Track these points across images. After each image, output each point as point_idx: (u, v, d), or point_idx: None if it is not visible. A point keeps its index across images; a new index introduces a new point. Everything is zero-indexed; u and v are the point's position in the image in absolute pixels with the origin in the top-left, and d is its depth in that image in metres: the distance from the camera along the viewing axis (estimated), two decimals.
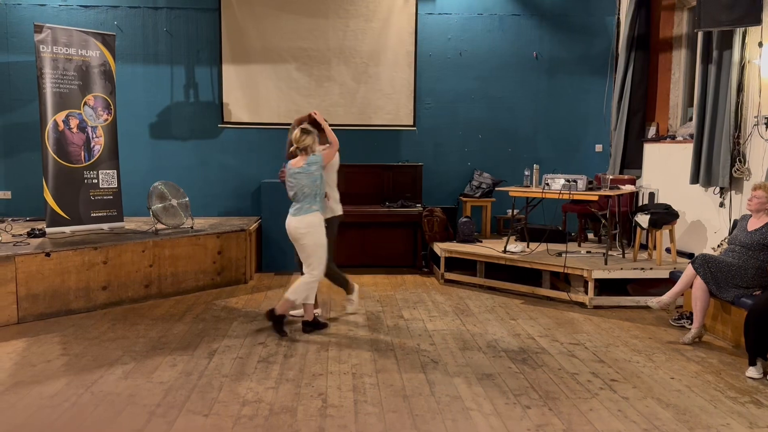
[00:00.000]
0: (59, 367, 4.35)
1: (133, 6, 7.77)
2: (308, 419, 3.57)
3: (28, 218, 7.40)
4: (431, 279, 7.27)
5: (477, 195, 7.90)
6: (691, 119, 7.18)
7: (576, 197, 6.36)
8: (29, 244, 5.81)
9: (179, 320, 5.53)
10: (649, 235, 6.50)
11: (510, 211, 7.61)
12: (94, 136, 6.57)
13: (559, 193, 6.32)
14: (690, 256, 6.36)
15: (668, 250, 6.54)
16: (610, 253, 6.37)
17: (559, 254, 6.45)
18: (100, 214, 6.59)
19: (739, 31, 5.85)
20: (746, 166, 5.89)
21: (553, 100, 8.24)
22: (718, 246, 5.87)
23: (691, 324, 5.15)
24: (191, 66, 7.91)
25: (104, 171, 6.63)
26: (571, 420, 3.59)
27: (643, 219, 6.25)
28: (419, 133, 8.13)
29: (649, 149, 7.62)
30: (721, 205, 6.23)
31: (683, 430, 3.48)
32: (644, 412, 3.71)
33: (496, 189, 7.68)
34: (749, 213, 5.09)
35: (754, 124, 5.77)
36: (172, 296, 6.30)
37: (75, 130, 6.42)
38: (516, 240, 7.19)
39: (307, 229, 5.01)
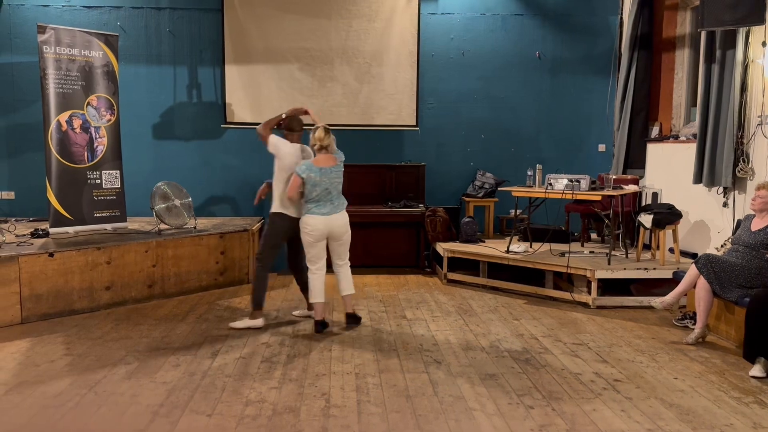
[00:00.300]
0: (63, 367, 4.36)
1: (136, 6, 7.78)
2: (311, 419, 3.57)
3: (31, 218, 7.41)
4: (434, 279, 7.27)
5: (480, 195, 7.90)
6: (694, 119, 7.16)
7: (579, 197, 6.35)
8: (33, 244, 5.82)
9: (182, 320, 5.53)
10: (653, 235, 6.49)
11: (513, 211, 7.60)
12: (97, 136, 6.58)
13: (562, 193, 6.31)
14: (693, 256, 6.34)
15: (671, 250, 6.53)
16: (613, 253, 6.36)
17: (562, 254, 6.44)
18: (103, 215, 6.60)
19: (742, 31, 5.84)
20: (750, 165, 5.87)
21: (556, 100, 8.23)
22: (722, 246, 5.86)
23: (694, 324, 5.14)
24: (194, 66, 7.92)
25: (107, 171, 6.64)
26: (575, 420, 3.59)
27: (646, 219, 6.24)
28: (422, 133, 8.13)
29: (652, 149, 7.61)
30: (725, 204, 6.21)
31: (686, 431, 3.48)
32: (647, 412, 3.71)
33: (499, 189, 7.67)
34: (753, 213, 5.08)
35: (758, 124, 5.76)
36: (175, 296, 6.31)
37: (78, 130, 6.43)
38: (519, 240, 7.18)
39: (348, 224, 5.24)
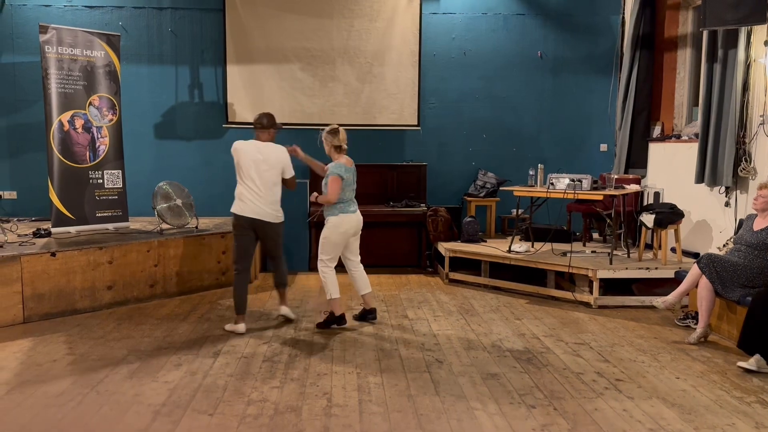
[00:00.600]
0: (65, 366, 4.37)
1: (138, 6, 7.79)
2: (313, 419, 3.57)
3: (33, 218, 7.42)
4: (436, 279, 7.26)
5: (481, 195, 7.89)
6: (696, 119, 7.15)
7: (581, 197, 6.35)
8: (35, 244, 5.83)
9: (184, 320, 5.54)
10: (654, 234, 6.49)
11: (514, 210, 7.61)
12: (99, 136, 6.59)
13: (564, 192, 6.31)
14: (695, 255, 6.33)
15: (673, 250, 6.52)
16: (615, 252, 6.35)
17: (564, 254, 6.44)
18: (105, 214, 6.61)
19: (744, 30, 5.83)
20: (752, 165, 5.87)
21: (557, 100, 8.22)
22: (724, 245, 5.86)
23: (696, 324, 5.13)
24: (196, 66, 7.93)
25: (109, 171, 6.65)
26: (576, 420, 3.58)
27: (648, 218, 6.23)
28: (423, 132, 8.13)
29: (654, 148, 7.60)
30: (727, 204, 6.21)
31: (688, 430, 3.47)
32: (649, 411, 3.70)
33: (501, 189, 7.67)
34: (755, 212, 5.07)
35: (760, 123, 5.75)
36: (177, 296, 6.32)
37: (80, 130, 6.44)
38: (520, 240, 7.18)
39: None
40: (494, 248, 6.90)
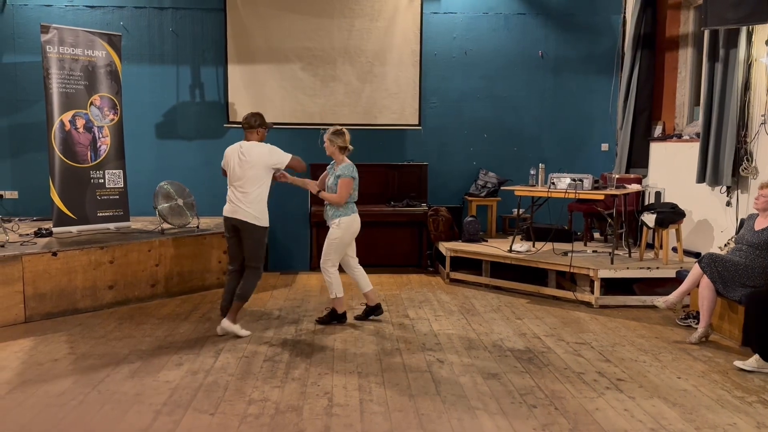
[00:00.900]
0: (66, 365, 4.37)
1: (139, 6, 7.78)
2: (314, 418, 3.57)
3: (35, 218, 7.42)
4: (436, 278, 7.26)
5: (482, 194, 7.89)
6: (697, 118, 7.15)
7: (582, 196, 6.34)
8: (36, 243, 5.83)
9: (185, 319, 5.54)
10: (656, 234, 6.48)
11: (515, 210, 7.60)
12: (101, 136, 6.59)
13: (565, 192, 6.31)
14: (696, 255, 6.33)
15: (675, 250, 6.52)
16: (616, 252, 6.35)
17: (565, 253, 6.43)
18: (106, 214, 6.61)
19: (745, 30, 5.83)
20: (753, 164, 5.86)
21: (558, 99, 8.22)
22: (725, 245, 5.85)
23: (697, 323, 5.13)
24: (197, 66, 7.93)
25: (110, 171, 6.65)
26: (578, 419, 3.58)
27: (649, 218, 6.23)
28: (424, 132, 8.12)
29: (655, 148, 7.60)
30: (728, 204, 6.20)
31: (690, 430, 3.47)
32: (651, 411, 3.70)
33: (502, 188, 7.66)
34: (756, 212, 5.07)
35: (761, 123, 5.74)
36: (178, 295, 6.32)
37: (81, 130, 6.44)
38: (521, 239, 7.17)
39: None
40: (495, 248, 6.90)
